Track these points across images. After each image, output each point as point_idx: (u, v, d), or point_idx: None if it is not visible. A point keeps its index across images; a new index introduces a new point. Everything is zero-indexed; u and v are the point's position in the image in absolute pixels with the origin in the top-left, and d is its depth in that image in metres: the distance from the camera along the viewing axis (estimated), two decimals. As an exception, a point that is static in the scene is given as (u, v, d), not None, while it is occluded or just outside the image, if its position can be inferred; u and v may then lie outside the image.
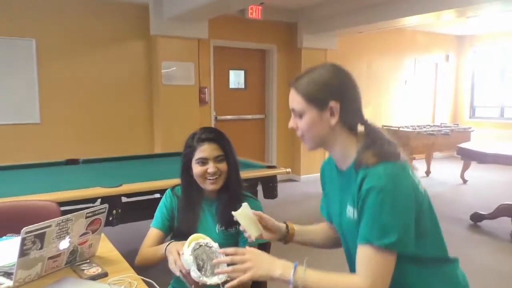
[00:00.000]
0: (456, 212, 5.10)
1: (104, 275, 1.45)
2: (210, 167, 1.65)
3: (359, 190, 1.09)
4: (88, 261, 1.56)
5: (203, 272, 1.30)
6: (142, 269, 1.52)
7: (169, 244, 1.54)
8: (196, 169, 1.67)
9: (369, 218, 1.06)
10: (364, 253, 1.06)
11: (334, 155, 1.25)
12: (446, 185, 6.68)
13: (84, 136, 5.14)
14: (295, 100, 1.21)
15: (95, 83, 5.19)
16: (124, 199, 2.77)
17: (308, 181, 6.68)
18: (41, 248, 1.36)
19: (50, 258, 1.42)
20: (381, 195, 1.04)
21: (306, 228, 1.46)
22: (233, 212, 1.36)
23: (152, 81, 5.51)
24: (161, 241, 1.71)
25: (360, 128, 1.22)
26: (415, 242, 1.08)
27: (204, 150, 1.65)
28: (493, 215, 4.51)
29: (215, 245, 1.30)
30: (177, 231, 1.74)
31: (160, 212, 1.78)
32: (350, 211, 1.18)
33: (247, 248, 1.22)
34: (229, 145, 1.71)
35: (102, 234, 1.74)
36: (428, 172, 7.33)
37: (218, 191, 1.71)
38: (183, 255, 1.34)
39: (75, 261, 1.54)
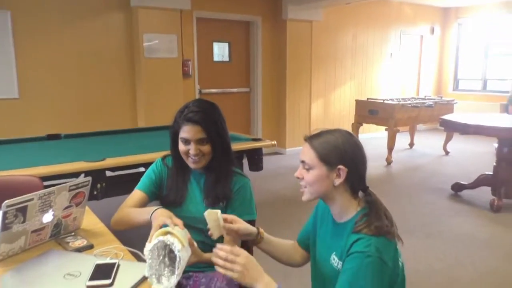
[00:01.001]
0: (438, 182, 5.21)
1: (89, 247, 1.44)
2: (192, 149, 1.62)
3: (348, 249, 1.20)
4: (73, 234, 1.55)
5: (167, 270, 1.23)
6: (127, 241, 1.51)
7: (156, 210, 1.48)
8: (180, 146, 1.65)
9: (351, 276, 1.16)
10: None
11: (332, 209, 1.35)
12: (429, 156, 6.80)
13: (65, 111, 5.04)
14: (308, 155, 1.30)
15: (75, 56, 5.04)
16: (108, 173, 2.75)
17: (293, 154, 6.72)
18: (23, 222, 1.35)
19: (33, 231, 1.41)
20: (368, 261, 1.15)
21: (273, 240, 1.55)
22: (205, 213, 1.38)
23: (134, 54, 5.38)
24: (143, 205, 1.69)
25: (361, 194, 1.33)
26: None
27: (187, 131, 1.61)
28: (474, 185, 4.62)
29: (177, 248, 1.20)
30: (165, 200, 1.73)
31: (147, 177, 1.76)
32: (335, 260, 1.30)
33: (243, 252, 1.23)
34: (215, 127, 1.64)
35: (87, 208, 1.73)
36: (411, 144, 7.44)
37: (206, 167, 1.69)
38: (147, 244, 1.25)
39: (59, 234, 1.53)
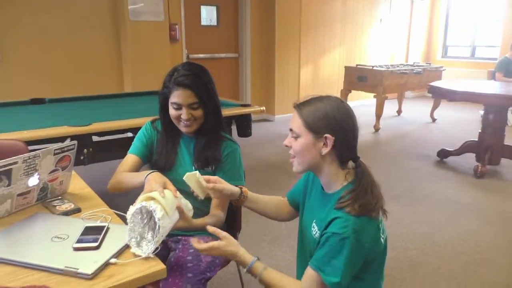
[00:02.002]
0: (424, 149, 5.28)
1: (77, 210, 1.44)
2: (183, 114, 1.60)
3: (326, 226, 1.20)
4: (60, 197, 1.54)
5: (150, 234, 1.22)
6: (115, 205, 1.51)
7: (151, 173, 1.47)
8: (171, 111, 1.63)
9: (327, 254, 1.18)
10: (311, 276, 1.21)
11: (321, 179, 1.33)
12: (416, 123, 6.86)
13: (49, 75, 4.91)
14: (296, 123, 1.27)
15: (58, 18, 4.87)
16: (95, 138, 2.72)
17: (282, 120, 6.71)
18: (8, 185, 1.33)
19: (19, 194, 1.40)
20: (342, 243, 1.15)
21: (258, 198, 1.57)
22: (184, 177, 1.38)
23: (119, 16, 5.21)
24: (137, 169, 1.69)
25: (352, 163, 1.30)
26: (358, 278, 1.24)
27: (178, 96, 1.58)
28: (459, 152, 4.69)
29: (157, 216, 1.18)
30: (154, 165, 1.72)
31: (139, 140, 1.74)
32: (315, 229, 1.31)
33: (212, 245, 1.30)
34: (207, 91, 1.62)
35: (74, 172, 1.71)
36: (399, 112, 7.48)
37: (197, 131, 1.68)
38: (130, 208, 1.24)
39: (46, 197, 1.52)
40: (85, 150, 2.61)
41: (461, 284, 2.44)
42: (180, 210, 1.34)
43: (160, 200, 1.23)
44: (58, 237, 1.21)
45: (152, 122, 1.79)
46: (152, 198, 1.24)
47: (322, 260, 1.19)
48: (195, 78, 1.60)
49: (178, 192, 1.36)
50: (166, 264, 1.37)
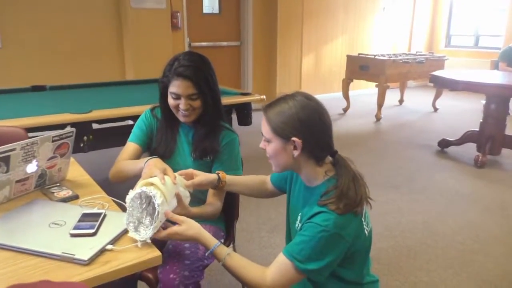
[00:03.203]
0: (425, 138, 5.27)
1: (75, 197, 1.45)
2: (182, 104, 1.59)
3: (309, 218, 1.19)
4: (58, 184, 1.55)
5: (148, 219, 1.23)
6: (113, 192, 1.52)
7: (151, 158, 1.48)
8: (170, 100, 1.62)
9: (303, 242, 1.17)
10: (284, 263, 1.20)
11: (301, 176, 1.33)
12: (418, 113, 6.84)
13: (50, 62, 4.90)
14: (264, 128, 1.27)
15: (59, 5, 4.84)
16: (95, 126, 2.72)
17: (283, 109, 6.69)
18: (7, 172, 1.34)
19: (18, 181, 1.41)
20: (322, 234, 1.14)
21: (237, 180, 1.59)
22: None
23: (120, 4, 5.18)
24: (138, 156, 1.69)
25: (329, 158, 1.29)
26: (341, 266, 1.23)
27: (178, 86, 1.57)
28: (460, 141, 4.69)
29: (157, 202, 1.18)
30: (154, 152, 1.72)
31: (138, 128, 1.74)
32: (298, 221, 1.31)
33: (175, 229, 1.24)
34: (207, 82, 1.60)
35: (73, 159, 1.72)
36: (401, 101, 7.45)
37: (195, 120, 1.67)
38: (130, 192, 1.24)
39: (44, 184, 1.53)
40: (85, 138, 2.62)
41: (458, 273, 2.46)
42: (178, 197, 1.35)
43: (160, 187, 1.24)
44: (55, 224, 1.23)
45: (152, 109, 1.78)
46: (152, 184, 1.25)
47: (297, 248, 1.18)
48: (195, 69, 1.58)
49: (176, 179, 1.36)
50: (164, 251, 1.38)
